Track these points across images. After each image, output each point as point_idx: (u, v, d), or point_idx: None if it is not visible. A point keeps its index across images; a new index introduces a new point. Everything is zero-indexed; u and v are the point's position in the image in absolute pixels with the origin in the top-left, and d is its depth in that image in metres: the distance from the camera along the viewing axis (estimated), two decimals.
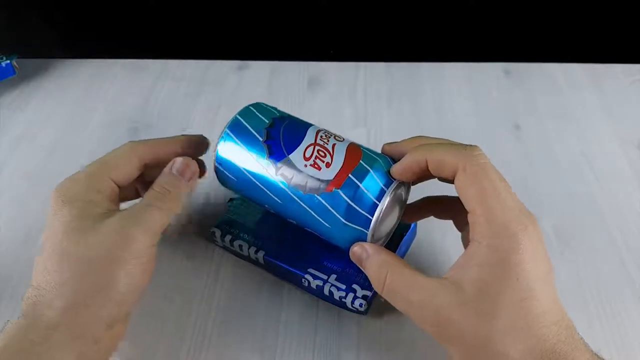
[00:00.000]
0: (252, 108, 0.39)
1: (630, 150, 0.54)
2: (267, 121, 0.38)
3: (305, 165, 0.35)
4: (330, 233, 0.36)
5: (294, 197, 0.36)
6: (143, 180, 0.40)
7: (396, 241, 0.42)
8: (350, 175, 0.34)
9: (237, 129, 0.38)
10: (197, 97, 0.62)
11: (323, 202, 0.35)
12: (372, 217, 0.34)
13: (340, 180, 0.34)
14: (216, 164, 0.39)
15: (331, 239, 0.37)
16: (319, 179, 0.35)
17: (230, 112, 0.61)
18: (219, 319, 0.41)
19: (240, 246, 0.43)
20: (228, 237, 0.44)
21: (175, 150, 0.39)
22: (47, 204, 0.50)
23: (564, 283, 0.44)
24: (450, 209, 0.37)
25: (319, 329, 0.41)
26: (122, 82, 0.64)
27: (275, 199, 0.37)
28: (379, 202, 0.34)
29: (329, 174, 0.35)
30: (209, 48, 0.70)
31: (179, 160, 0.37)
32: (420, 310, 0.31)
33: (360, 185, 0.34)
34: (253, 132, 0.38)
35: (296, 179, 0.35)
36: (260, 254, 0.42)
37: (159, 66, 0.66)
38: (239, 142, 0.37)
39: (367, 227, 0.34)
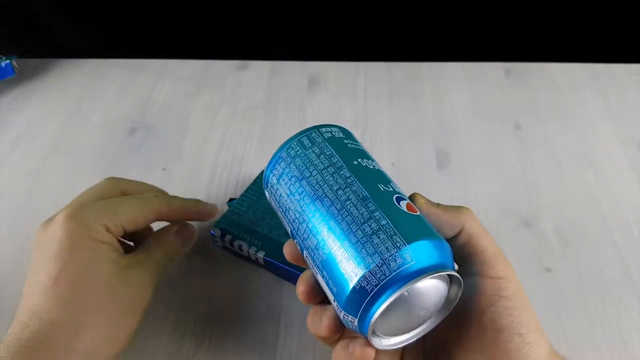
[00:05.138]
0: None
1: (630, 150, 0.54)
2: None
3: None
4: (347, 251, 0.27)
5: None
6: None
7: None
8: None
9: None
10: (196, 97, 0.62)
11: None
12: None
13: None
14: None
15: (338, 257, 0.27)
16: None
17: (230, 112, 0.62)
18: (219, 319, 0.41)
19: (240, 246, 0.43)
20: (228, 237, 0.44)
21: (188, 216, 0.42)
22: (48, 204, 0.50)
23: (564, 283, 0.44)
24: None
25: None
26: (122, 82, 0.64)
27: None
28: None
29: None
30: (209, 48, 0.70)
31: (187, 229, 0.41)
32: None
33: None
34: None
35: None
36: (260, 254, 0.42)
37: (158, 66, 0.66)
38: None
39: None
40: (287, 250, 0.31)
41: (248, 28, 0.72)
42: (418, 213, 0.28)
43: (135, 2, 0.70)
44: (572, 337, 0.40)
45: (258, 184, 0.48)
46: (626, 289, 0.43)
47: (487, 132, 0.57)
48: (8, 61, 0.62)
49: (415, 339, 0.29)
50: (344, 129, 0.32)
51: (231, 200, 0.48)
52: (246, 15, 0.72)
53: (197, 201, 0.43)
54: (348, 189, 0.28)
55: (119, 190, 0.39)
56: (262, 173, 0.49)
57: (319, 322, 0.29)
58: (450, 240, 0.30)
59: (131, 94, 0.62)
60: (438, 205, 0.30)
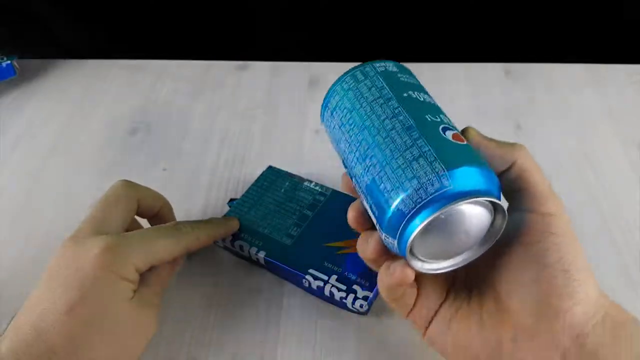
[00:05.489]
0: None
1: (631, 151, 0.54)
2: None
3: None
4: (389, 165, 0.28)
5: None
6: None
7: None
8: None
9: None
10: (197, 98, 0.62)
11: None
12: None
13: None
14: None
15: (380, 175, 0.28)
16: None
17: (230, 112, 0.62)
18: (219, 318, 0.41)
19: (241, 246, 0.43)
20: (228, 238, 0.44)
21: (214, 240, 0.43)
22: (48, 204, 0.50)
23: None
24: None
25: (319, 329, 0.41)
26: (122, 83, 0.64)
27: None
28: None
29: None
30: (209, 48, 0.70)
31: (180, 259, 0.41)
32: None
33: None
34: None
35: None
36: (261, 254, 0.42)
37: (158, 66, 0.66)
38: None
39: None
40: (344, 182, 0.33)
41: (248, 28, 0.72)
42: (465, 142, 0.28)
43: (135, 2, 0.70)
44: None
45: (259, 184, 0.48)
46: (626, 289, 0.43)
47: (487, 132, 0.56)
48: (9, 61, 0.62)
49: (457, 267, 0.30)
50: (399, 64, 0.33)
51: (232, 200, 0.48)
52: (246, 15, 0.72)
53: (220, 224, 0.43)
54: (395, 119, 0.29)
55: (135, 197, 0.39)
56: (262, 173, 0.49)
57: (366, 245, 0.31)
58: (501, 175, 0.30)
59: (131, 94, 0.62)
60: (491, 139, 0.30)
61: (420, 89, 0.32)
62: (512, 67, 0.65)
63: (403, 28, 0.71)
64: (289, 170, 0.49)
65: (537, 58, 0.65)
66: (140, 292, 0.35)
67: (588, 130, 0.57)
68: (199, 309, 0.42)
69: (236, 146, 0.56)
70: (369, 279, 0.40)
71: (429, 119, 0.29)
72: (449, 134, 0.28)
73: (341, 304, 0.40)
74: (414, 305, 0.32)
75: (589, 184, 0.51)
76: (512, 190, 0.30)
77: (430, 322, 0.32)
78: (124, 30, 0.73)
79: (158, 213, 0.42)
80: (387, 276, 0.30)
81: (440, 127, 0.29)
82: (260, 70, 0.65)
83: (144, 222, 0.43)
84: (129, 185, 0.40)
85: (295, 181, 0.48)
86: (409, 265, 0.29)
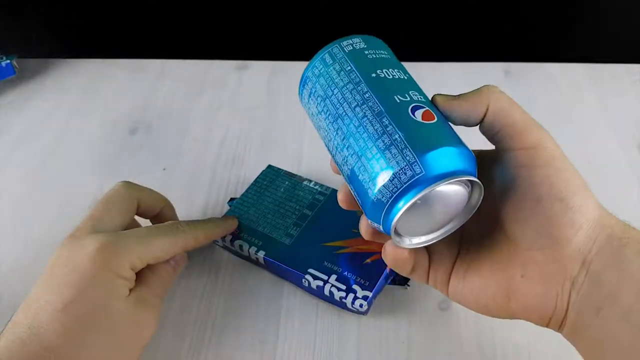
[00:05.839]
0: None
1: (630, 151, 0.54)
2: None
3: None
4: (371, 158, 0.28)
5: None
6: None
7: None
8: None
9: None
10: (197, 97, 0.62)
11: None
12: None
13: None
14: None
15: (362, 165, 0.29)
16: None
17: (230, 112, 0.62)
18: (219, 318, 0.41)
19: (241, 246, 0.43)
20: (228, 237, 0.44)
21: (212, 239, 0.43)
22: (48, 204, 0.50)
23: None
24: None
25: (319, 329, 0.41)
26: (122, 82, 0.64)
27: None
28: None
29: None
30: (209, 48, 0.70)
31: (182, 261, 0.40)
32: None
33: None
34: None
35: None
36: (261, 254, 0.42)
37: (158, 66, 0.66)
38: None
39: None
40: (332, 167, 0.33)
41: (248, 28, 0.72)
42: (434, 120, 0.28)
43: (135, 2, 0.70)
44: None
45: (259, 184, 0.48)
46: None
47: None
48: (8, 61, 0.62)
49: (442, 237, 0.31)
50: (367, 38, 0.33)
51: (231, 200, 0.48)
52: (246, 15, 0.72)
53: (218, 223, 0.43)
54: (365, 105, 0.29)
55: (134, 198, 0.39)
56: (262, 173, 0.49)
57: (360, 226, 0.32)
58: (482, 124, 0.30)
59: (131, 94, 0.62)
60: (459, 96, 0.30)
61: (388, 63, 0.31)
62: (512, 67, 0.65)
63: (402, 27, 0.71)
64: (289, 170, 0.49)
65: (537, 58, 0.65)
66: (139, 291, 0.35)
67: (587, 130, 0.57)
68: (198, 309, 0.42)
69: (236, 146, 0.56)
70: (369, 278, 0.40)
71: (398, 100, 0.29)
72: (418, 114, 0.28)
73: (341, 304, 0.40)
74: (429, 271, 0.33)
75: (589, 184, 0.51)
76: (493, 133, 0.30)
77: (448, 281, 0.33)
78: (123, 30, 0.73)
79: (159, 214, 0.42)
80: (385, 257, 0.32)
81: (410, 108, 0.28)
82: (260, 70, 0.65)
83: (146, 224, 0.43)
84: (129, 185, 0.40)
85: (294, 180, 0.48)
86: (398, 245, 0.30)
